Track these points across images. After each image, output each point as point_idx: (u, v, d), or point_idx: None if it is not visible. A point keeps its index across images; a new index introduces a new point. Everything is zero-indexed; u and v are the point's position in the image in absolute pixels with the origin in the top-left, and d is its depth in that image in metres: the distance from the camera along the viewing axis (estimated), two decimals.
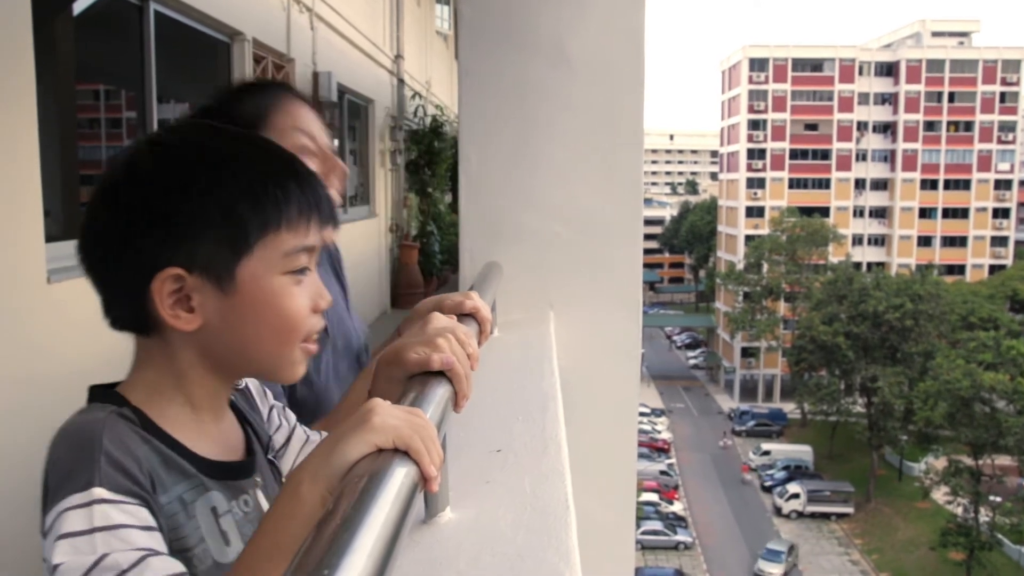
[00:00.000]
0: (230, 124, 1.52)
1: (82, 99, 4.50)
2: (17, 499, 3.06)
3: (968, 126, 62.49)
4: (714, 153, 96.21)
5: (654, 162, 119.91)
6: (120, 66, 4.68)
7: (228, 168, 0.97)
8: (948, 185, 62.58)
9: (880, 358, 42.71)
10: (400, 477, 0.78)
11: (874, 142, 63.56)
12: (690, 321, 77.88)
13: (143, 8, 4.47)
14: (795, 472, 44.71)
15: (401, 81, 11.06)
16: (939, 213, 62.66)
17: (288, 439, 1.21)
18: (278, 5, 6.55)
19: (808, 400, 46.58)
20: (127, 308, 0.97)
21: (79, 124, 4.33)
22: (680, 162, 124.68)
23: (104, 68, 4.68)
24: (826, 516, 41.60)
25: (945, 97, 62.21)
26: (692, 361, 69.99)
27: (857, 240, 62.67)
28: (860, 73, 63.02)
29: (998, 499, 35.22)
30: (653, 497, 41.56)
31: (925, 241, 62.90)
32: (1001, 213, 63.03)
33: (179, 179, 0.95)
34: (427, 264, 10.69)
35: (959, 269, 61.72)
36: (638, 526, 34.34)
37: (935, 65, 62.11)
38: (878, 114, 63.43)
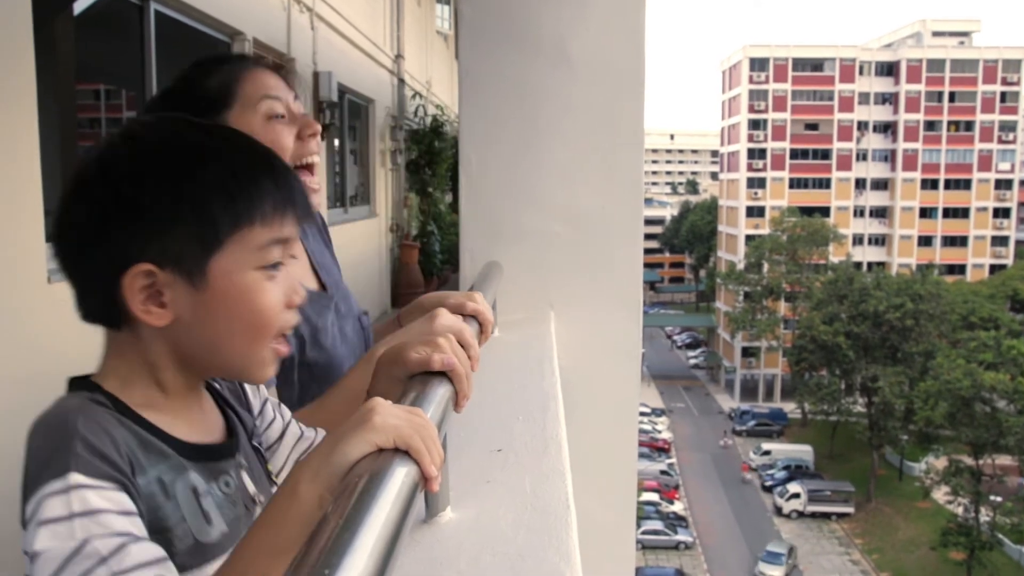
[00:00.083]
0: (197, 102, 1.51)
1: (82, 99, 4.50)
2: (18, 498, 3.06)
3: (969, 126, 62.46)
4: (714, 153, 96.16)
5: (654, 162, 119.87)
6: (120, 66, 4.68)
7: (201, 163, 0.96)
8: (949, 185, 62.55)
9: (881, 358, 42.69)
10: (401, 477, 0.78)
11: (875, 142, 63.54)
12: (690, 321, 77.87)
13: (143, 8, 4.47)
14: (795, 472, 44.69)
15: (401, 81, 11.06)
16: (940, 213, 62.63)
17: (282, 435, 1.20)
18: (278, 5, 6.55)
19: (808, 400, 46.55)
20: (99, 302, 0.96)
21: (79, 124, 4.33)
22: (680, 162, 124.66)
23: (104, 68, 4.68)
24: (827, 516, 41.58)
25: (946, 97, 62.18)
26: (692, 361, 69.96)
27: (857, 240, 62.64)
28: (860, 73, 63.00)
29: (999, 499, 35.21)
30: (654, 497, 41.56)
31: (926, 241, 62.88)
32: (1002, 213, 63.00)
33: (151, 174, 0.95)
34: (427, 264, 10.69)
35: (960, 269, 61.70)
36: (638, 526, 34.33)
37: (936, 65, 62.08)
38: (879, 114, 63.40)
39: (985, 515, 34.91)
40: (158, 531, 0.88)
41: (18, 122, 3.15)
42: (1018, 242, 63.02)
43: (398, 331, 1.40)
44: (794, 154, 63.29)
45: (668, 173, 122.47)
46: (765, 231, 58.71)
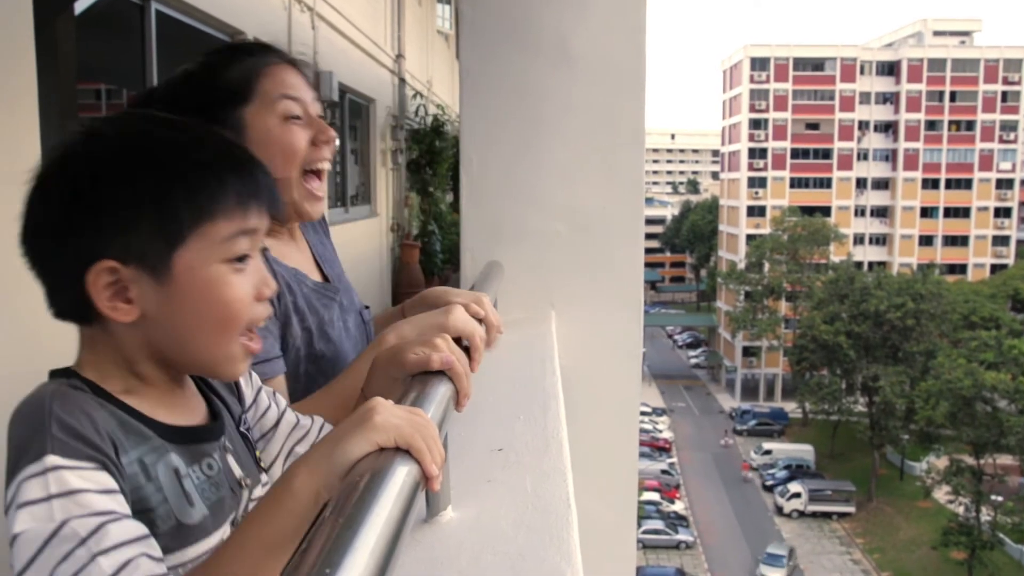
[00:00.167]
0: (216, 91, 1.51)
1: (84, 99, 4.50)
2: None
3: (970, 125, 62.41)
4: (715, 152, 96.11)
5: (655, 161, 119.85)
6: (122, 65, 4.69)
7: (161, 158, 0.96)
8: (950, 184, 62.50)
9: (881, 357, 42.67)
10: (402, 476, 0.78)
11: (875, 141, 63.49)
12: (691, 320, 77.86)
13: (144, 7, 4.47)
14: (796, 471, 44.67)
15: (402, 80, 11.06)
16: (940, 212, 62.59)
17: (277, 423, 1.20)
18: (279, 4, 6.55)
19: (809, 399, 46.52)
20: (67, 299, 0.97)
21: (81, 123, 4.33)
22: (681, 161, 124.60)
23: (106, 67, 4.68)
24: (827, 515, 41.56)
25: (947, 96, 62.13)
26: (693, 360, 69.94)
27: (858, 239, 62.60)
28: (861, 72, 62.96)
29: (1000, 498, 35.20)
30: (654, 496, 41.55)
31: (927, 240, 62.84)
32: (1003, 212, 62.96)
33: (111, 170, 0.95)
34: (428, 263, 10.68)
35: (961, 268, 61.67)
36: (639, 525, 34.36)
37: (937, 64, 62.04)
38: (879, 113, 63.35)
39: (986, 515, 34.89)
40: (140, 512, 0.88)
41: (19, 122, 3.15)
42: (1019, 241, 62.97)
43: (406, 320, 1.39)
44: (795, 153, 63.25)
45: (669, 173, 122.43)
46: (766, 230, 58.68)
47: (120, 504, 0.83)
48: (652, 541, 38.21)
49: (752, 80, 63.41)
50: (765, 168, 63.42)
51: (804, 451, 46.55)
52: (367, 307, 1.82)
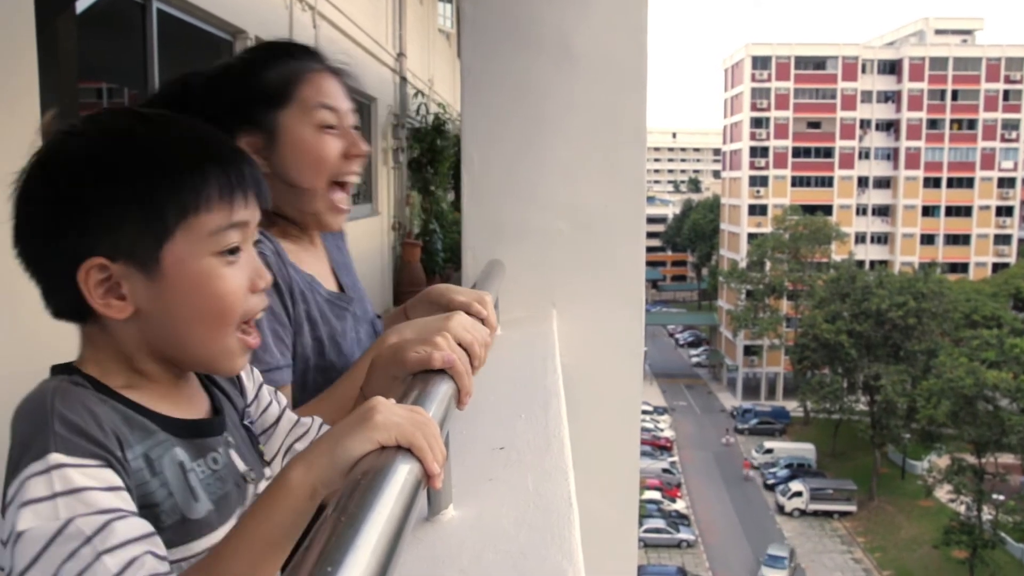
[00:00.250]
0: (253, 91, 1.50)
1: (85, 98, 4.50)
2: None
3: (971, 124, 62.33)
4: (717, 151, 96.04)
5: (657, 160, 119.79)
6: (123, 64, 4.69)
7: (142, 154, 0.96)
8: (951, 183, 62.42)
9: (883, 356, 42.64)
10: (403, 474, 0.78)
11: (877, 140, 63.43)
12: (693, 319, 77.81)
13: (146, 6, 4.47)
14: (798, 470, 44.66)
15: (404, 79, 11.06)
16: (942, 211, 62.51)
17: (278, 420, 1.20)
18: (280, 3, 6.55)
19: (811, 398, 46.49)
20: (62, 299, 0.97)
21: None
22: (683, 160, 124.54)
23: (107, 66, 4.68)
24: (829, 514, 41.55)
25: (948, 95, 62.03)
26: (695, 359, 69.92)
27: (860, 238, 62.53)
28: (863, 71, 62.89)
29: (1001, 497, 35.18)
30: (656, 495, 41.54)
31: (928, 239, 62.77)
32: (1004, 211, 62.88)
33: (93, 168, 0.95)
34: (430, 262, 10.69)
35: (962, 267, 61.58)
36: (640, 524, 34.32)
37: (938, 63, 61.96)
38: (881, 112, 63.28)
39: (988, 514, 34.87)
40: (145, 507, 0.88)
41: (20, 121, 3.15)
42: (1021, 240, 62.89)
43: (407, 323, 1.39)
44: (796, 152, 63.19)
45: (670, 171, 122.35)
46: (767, 229, 58.65)
47: (125, 501, 0.83)
48: (653, 540, 38.21)
49: (754, 79, 63.34)
50: (767, 167, 63.37)
51: (805, 450, 46.53)
52: (379, 316, 1.81)
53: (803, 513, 41.63)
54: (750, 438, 50.64)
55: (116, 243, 0.94)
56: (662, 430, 50.93)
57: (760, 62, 63.45)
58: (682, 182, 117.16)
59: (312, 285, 1.56)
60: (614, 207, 2.40)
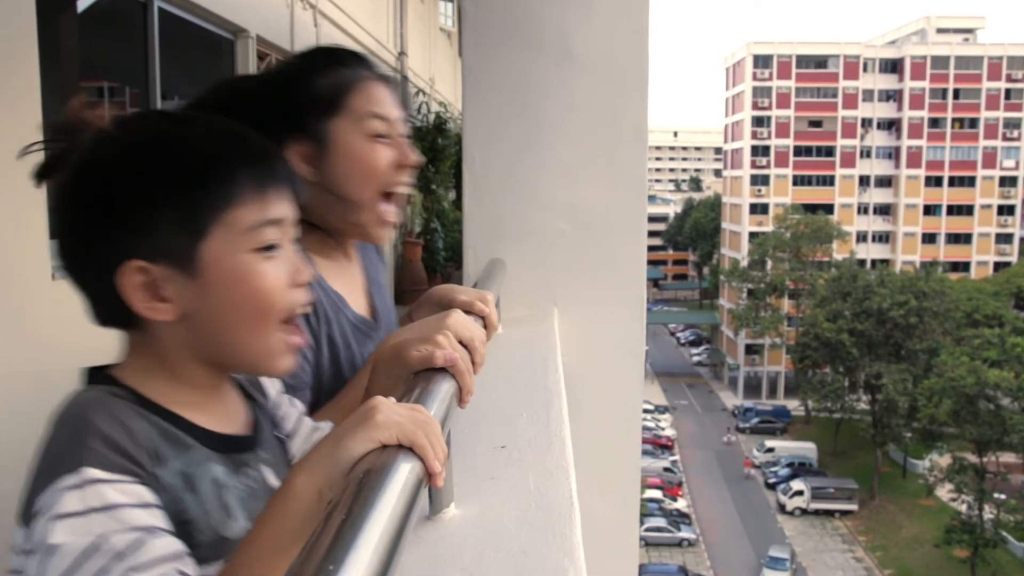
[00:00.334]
0: (303, 98, 1.48)
1: (86, 96, 4.50)
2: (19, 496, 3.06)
3: (973, 123, 62.29)
4: (718, 150, 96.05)
5: (658, 159, 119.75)
6: (124, 63, 4.69)
7: (172, 153, 0.97)
8: (953, 182, 62.39)
9: (884, 355, 42.63)
10: (405, 473, 0.78)
11: (879, 139, 63.39)
12: (694, 318, 77.79)
13: (147, 5, 4.48)
14: (799, 469, 44.66)
15: (405, 78, 11.06)
16: (944, 210, 62.48)
17: (296, 426, 1.20)
18: (282, 2, 6.55)
19: (812, 397, 46.51)
20: (107, 305, 0.97)
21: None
22: (684, 159, 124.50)
23: (108, 65, 4.69)
24: (830, 513, 41.55)
25: (950, 94, 61.99)
26: (696, 358, 69.91)
27: (861, 237, 62.52)
28: (864, 70, 62.85)
29: (1002, 496, 35.18)
30: (657, 494, 41.55)
31: (930, 238, 62.73)
32: (1006, 210, 62.84)
33: (123, 171, 0.95)
34: (431, 261, 10.68)
35: (964, 266, 61.55)
36: (642, 523, 34.31)
37: (940, 62, 61.92)
38: (883, 111, 63.24)
39: (989, 513, 34.87)
40: (180, 523, 0.88)
41: (22, 120, 3.15)
42: (1022, 239, 62.87)
43: (407, 327, 1.39)
44: (798, 151, 63.16)
45: (672, 170, 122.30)
46: (769, 228, 58.67)
47: (157, 519, 0.84)
48: (655, 539, 38.23)
49: (755, 77, 63.32)
50: (768, 166, 63.34)
51: (807, 449, 46.53)
52: None
53: (804, 512, 41.64)
54: (751, 437, 50.64)
55: (153, 244, 0.94)
56: (663, 429, 50.95)
57: (761, 61, 63.42)
58: (683, 181, 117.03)
59: (339, 306, 1.53)
60: (615, 206, 2.40)
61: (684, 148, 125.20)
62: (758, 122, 63.50)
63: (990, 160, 62.28)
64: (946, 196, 62.30)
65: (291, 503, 0.82)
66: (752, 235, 61.07)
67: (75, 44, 3.99)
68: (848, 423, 45.41)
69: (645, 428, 42.02)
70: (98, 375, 0.98)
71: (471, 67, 2.41)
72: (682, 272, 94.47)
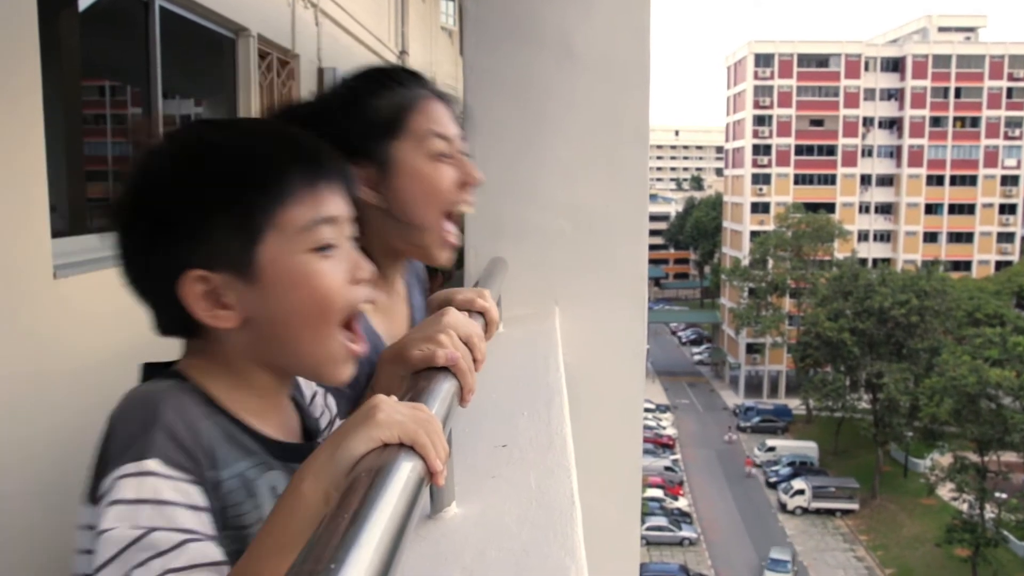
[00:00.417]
0: (363, 121, 1.44)
1: (88, 95, 4.51)
2: (22, 494, 3.06)
3: (975, 122, 62.23)
4: (719, 149, 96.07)
5: (659, 158, 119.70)
6: (126, 62, 4.69)
7: (220, 159, 0.97)
8: (954, 181, 62.35)
9: (886, 354, 42.63)
10: (406, 472, 0.78)
11: (880, 138, 63.35)
12: (695, 317, 77.77)
13: (149, 4, 4.47)
14: (800, 468, 44.65)
15: None
16: (945, 209, 62.43)
17: (330, 425, 1.21)
18: (283, 1, 6.55)
19: (813, 396, 46.51)
20: (169, 317, 0.98)
21: (85, 120, 4.34)
22: (685, 158, 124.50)
23: (110, 64, 4.69)
24: (831, 512, 41.54)
25: (951, 93, 61.94)
26: (697, 357, 69.91)
27: (863, 236, 62.49)
28: (866, 69, 62.81)
29: (1004, 495, 35.17)
30: (658, 493, 41.57)
31: (931, 237, 62.69)
32: (1008, 209, 62.78)
33: (172, 183, 0.96)
34: None
35: (965, 265, 61.50)
36: (643, 522, 34.30)
37: (941, 61, 61.87)
38: (884, 110, 63.19)
39: (990, 512, 34.86)
40: (234, 528, 0.90)
41: (24, 118, 3.15)
42: None
43: (405, 335, 1.39)
44: (799, 150, 63.14)
45: (673, 169, 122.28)
46: (770, 227, 58.64)
47: (203, 524, 0.85)
48: (656, 538, 38.23)
49: (756, 76, 63.29)
50: (769, 164, 63.32)
51: (808, 448, 46.52)
52: None
53: (805, 511, 41.63)
54: (752, 436, 50.64)
55: (210, 252, 0.94)
56: (664, 428, 50.97)
57: (763, 59, 63.39)
58: (685, 180, 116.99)
59: (376, 346, 1.49)
60: (617, 205, 2.40)
61: (685, 147, 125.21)
62: (759, 121, 63.47)
63: (992, 159, 62.23)
64: (948, 195, 62.26)
65: (298, 505, 0.82)
66: (753, 234, 61.04)
67: (76, 43, 3.99)
68: (849, 422, 45.41)
69: (646, 427, 42.09)
70: (159, 371, 0.98)
71: (472, 66, 2.41)
72: (683, 271, 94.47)
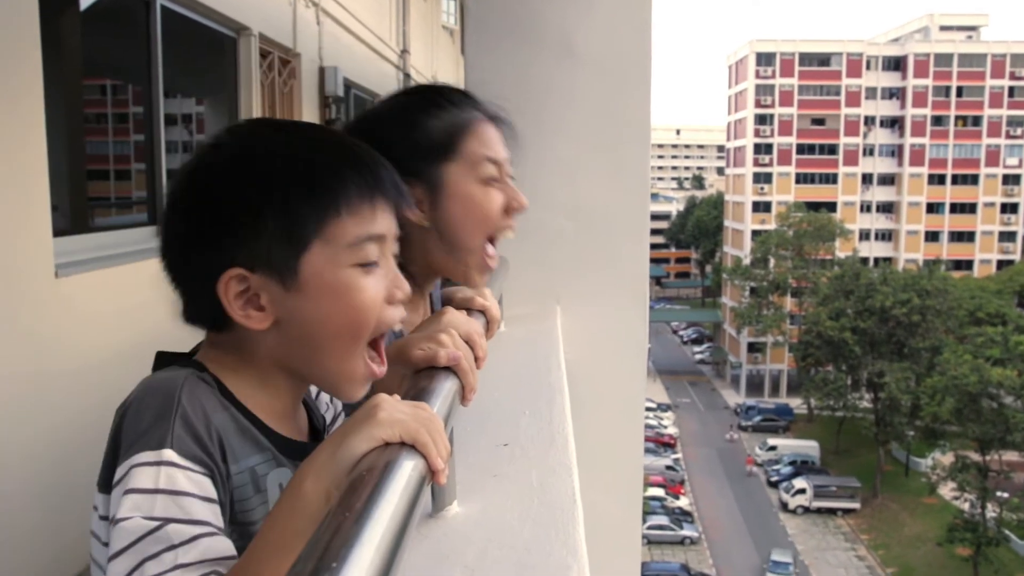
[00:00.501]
0: (415, 143, 1.43)
1: (89, 94, 4.51)
2: (22, 494, 3.06)
3: (976, 121, 62.17)
4: (721, 148, 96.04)
5: (660, 157, 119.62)
6: (127, 61, 4.69)
7: (279, 164, 0.97)
8: (956, 180, 62.29)
9: (887, 353, 42.61)
10: (408, 470, 0.78)
11: (881, 137, 63.30)
12: (696, 316, 77.74)
13: (150, 3, 4.48)
14: (801, 467, 44.64)
15: (407, 76, 11.06)
16: (947, 208, 62.38)
17: (335, 420, 1.21)
18: (284, 0, 6.55)
19: (814, 395, 46.50)
20: (200, 308, 0.98)
21: (86, 119, 4.34)
22: (686, 157, 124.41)
23: (111, 63, 4.69)
24: (832, 512, 41.53)
25: (953, 91, 61.88)
26: (698, 356, 69.90)
27: (864, 235, 62.45)
28: (867, 67, 62.75)
29: (1005, 495, 35.16)
30: (659, 492, 41.57)
31: (932, 236, 62.63)
32: (1009, 208, 62.72)
33: (230, 180, 0.96)
34: None
35: (967, 264, 61.46)
36: (644, 521, 34.34)
37: (943, 59, 61.82)
38: (886, 109, 63.14)
39: (992, 511, 34.85)
40: (240, 523, 0.90)
41: (25, 117, 3.15)
42: None
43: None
44: (800, 149, 63.10)
45: (674, 168, 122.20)
46: (771, 226, 58.61)
47: (216, 516, 0.85)
48: (657, 537, 38.22)
49: (758, 75, 63.26)
50: (771, 164, 63.29)
51: (809, 447, 46.51)
52: None
53: (806, 510, 41.62)
54: (754, 435, 50.63)
55: (255, 254, 0.94)
56: (666, 427, 50.95)
57: (764, 58, 63.35)
58: (686, 179, 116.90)
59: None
60: (618, 204, 2.40)
61: (687, 146, 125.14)
62: (761, 120, 63.43)
63: (993, 158, 62.16)
64: (949, 194, 62.21)
65: (299, 504, 0.82)
66: (755, 233, 61.01)
67: (78, 41, 3.99)
68: (851, 421, 45.40)
69: (647, 426, 42.09)
70: (175, 360, 0.98)
71: (473, 65, 2.41)
72: (684, 270, 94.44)
